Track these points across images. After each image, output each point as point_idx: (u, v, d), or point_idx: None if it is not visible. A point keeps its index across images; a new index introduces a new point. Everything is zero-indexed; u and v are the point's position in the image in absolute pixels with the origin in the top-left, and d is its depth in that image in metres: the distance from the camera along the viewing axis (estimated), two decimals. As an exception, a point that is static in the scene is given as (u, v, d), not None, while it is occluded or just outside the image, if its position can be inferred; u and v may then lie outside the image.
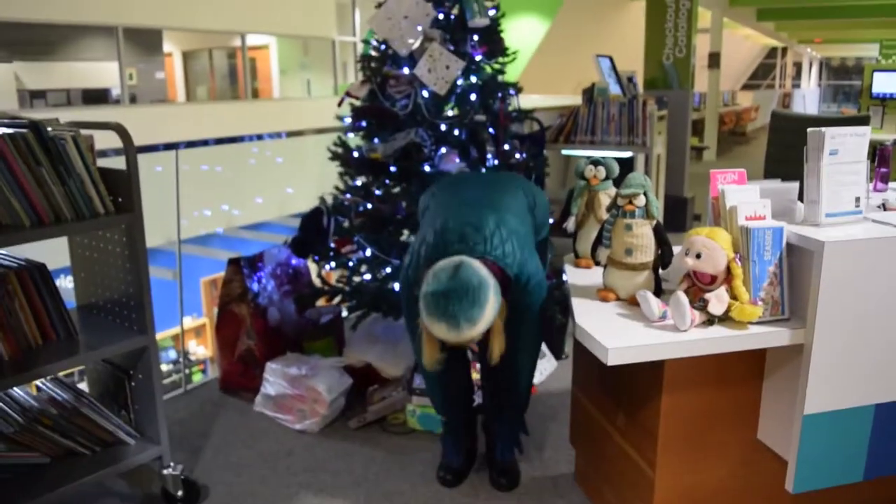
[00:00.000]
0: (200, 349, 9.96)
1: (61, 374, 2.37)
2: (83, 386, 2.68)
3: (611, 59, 5.38)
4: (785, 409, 1.95)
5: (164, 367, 8.88)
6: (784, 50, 26.78)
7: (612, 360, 1.76)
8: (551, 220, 3.44)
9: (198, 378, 8.63)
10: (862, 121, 4.59)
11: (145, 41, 11.99)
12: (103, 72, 11.10)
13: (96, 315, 2.53)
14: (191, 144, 3.57)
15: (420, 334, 2.17)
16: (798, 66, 30.47)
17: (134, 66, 11.63)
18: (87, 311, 2.57)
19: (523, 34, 12.16)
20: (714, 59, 13.33)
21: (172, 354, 8.92)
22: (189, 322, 9.42)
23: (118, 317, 2.43)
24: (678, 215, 6.53)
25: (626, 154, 4.89)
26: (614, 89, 5.24)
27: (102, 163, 2.26)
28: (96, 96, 11.86)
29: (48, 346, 2.26)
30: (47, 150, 2.05)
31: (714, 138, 13.89)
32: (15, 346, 2.19)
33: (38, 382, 2.46)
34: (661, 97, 5.90)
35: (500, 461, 2.65)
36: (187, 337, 9.28)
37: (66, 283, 2.83)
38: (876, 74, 7.34)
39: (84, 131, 2.18)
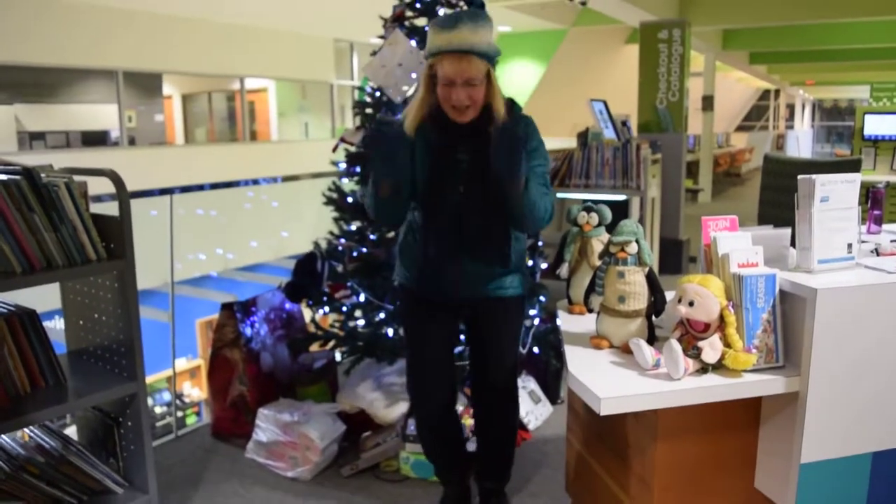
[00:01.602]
0: (195, 391, 9.86)
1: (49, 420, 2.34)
2: (71, 430, 2.65)
3: (605, 103, 5.43)
4: (781, 457, 1.93)
5: (158, 410, 8.79)
6: (777, 92, 27.11)
7: (604, 410, 1.74)
8: (546, 266, 3.45)
9: (192, 420, 8.54)
10: (854, 164, 4.62)
11: (145, 84, 12.11)
12: (102, 114, 11.19)
13: (86, 361, 2.51)
14: (185, 189, 3.59)
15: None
16: (791, 108, 30.81)
17: (133, 108, 11.72)
18: (77, 357, 2.55)
19: (519, 77, 12.32)
20: (707, 102, 13.48)
21: (166, 397, 8.83)
22: (184, 363, 9.35)
23: (108, 363, 2.41)
24: (673, 257, 6.54)
25: (621, 197, 4.91)
26: (608, 133, 5.28)
27: (98, 208, 2.26)
28: (95, 138, 11.92)
29: (37, 394, 2.23)
30: (40, 196, 2.05)
31: (709, 180, 13.97)
32: (3, 393, 2.16)
33: (26, 429, 2.42)
34: (655, 141, 5.95)
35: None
36: (182, 378, 9.19)
37: (57, 324, 2.81)
38: (867, 117, 7.43)
39: (78, 177, 2.18)
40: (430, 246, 2.29)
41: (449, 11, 3.01)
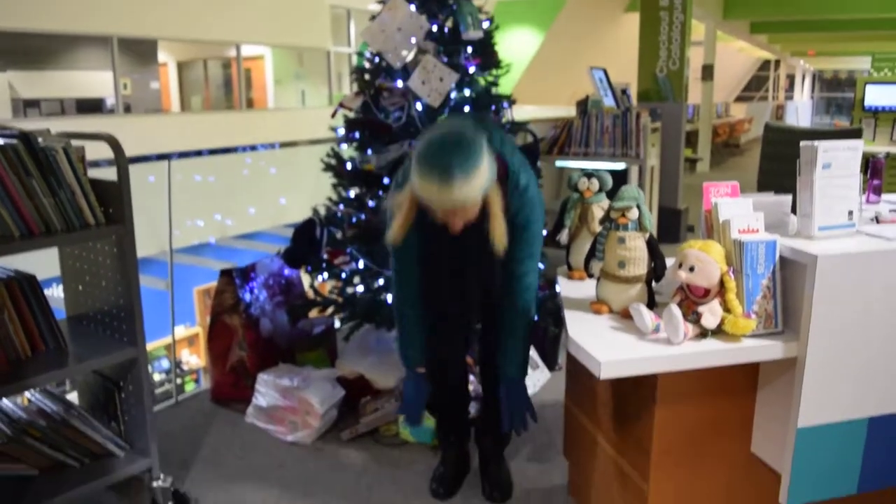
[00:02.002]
0: (194, 358, 9.90)
1: (50, 385, 2.35)
2: (72, 397, 2.66)
3: (605, 72, 5.39)
4: (778, 422, 1.94)
5: (157, 377, 8.83)
6: (777, 62, 26.93)
7: (604, 374, 1.75)
8: (545, 232, 3.44)
9: (190, 388, 8.59)
10: (854, 133, 4.60)
11: (140, 51, 11.99)
12: (98, 81, 11.09)
13: (86, 326, 2.51)
14: (183, 155, 3.56)
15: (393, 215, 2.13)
16: (791, 79, 30.63)
17: (128, 75, 11.62)
18: (76, 322, 2.55)
19: (517, 46, 12.20)
20: (707, 72, 13.39)
21: (165, 364, 8.87)
22: (182, 331, 9.37)
23: (108, 328, 2.42)
24: (672, 227, 6.53)
25: (620, 166, 4.90)
26: (608, 101, 5.25)
27: (94, 173, 2.25)
28: (90, 106, 11.84)
29: (37, 358, 2.24)
30: (38, 161, 2.04)
31: (707, 150, 13.93)
32: (3, 357, 2.17)
33: (27, 393, 2.43)
34: (655, 109, 5.91)
35: (494, 474, 2.63)
36: (180, 346, 9.22)
37: (56, 293, 2.81)
38: (868, 87, 7.39)
39: (75, 142, 2.17)
40: (434, 311, 2.41)
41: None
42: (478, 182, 1.93)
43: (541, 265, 3.33)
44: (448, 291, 2.47)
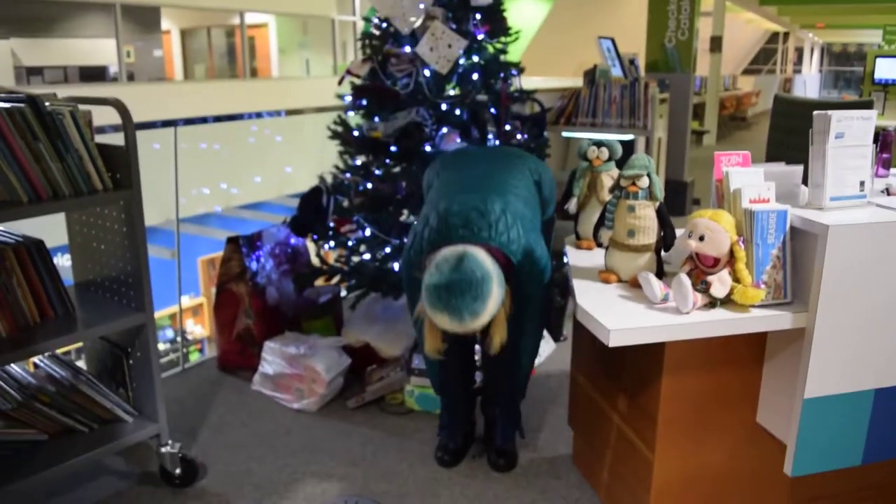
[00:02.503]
0: (198, 328, 9.96)
1: (59, 351, 2.36)
2: (81, 363, 2.68)
3: (612, 41, 5.33)
4: (785, 392, 1.95)
5: (161, 347, 8.88)
6: (786, 35, 26.62)
7: (613, 342, 1.75)
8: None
9: (195, 357, 8.63)
10: (866, 105, 4.55)
11: (143, 18, 11.90)
12: (100, 49, 11.02)
13: (94, 293, 2.52)
14: (189, 122, 3.54)
15: (422, 321, 2.17)
16: (799, 52, 30.31)
17: (132, 43, 11.54)
18: (84, 289, 2.56)
19: (525, 14, 12.08)
20: (716, 43, 13.26)
21: (170, 334, 8.92)
22: (186, 301, 9.42)
23: (116, 294, 2.42)
24: (678, 199, 6.52)
25: (627, 137, 4.87)
26: (616, 72, 5.20)
27: (100, 139, 2.23)
28: (93, 74, 11.78)
29: (46, 324, 2.24)
30: (45, 125, 2.02)
31: (714, 122, 13.84)
32: (13, 323, 2.18)
33: (35, 360, 2.45)
34: (663, 80, 5.86)
35: (498, 444, 2.65)
36: (185, 316, 9.27)
37: (62, 262, 2.81)
38: (879, 60, 7.32)
39: (82, 107, 2.15)
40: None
41: None
42: (487, 315, 2.01)
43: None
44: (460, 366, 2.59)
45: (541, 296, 2.30)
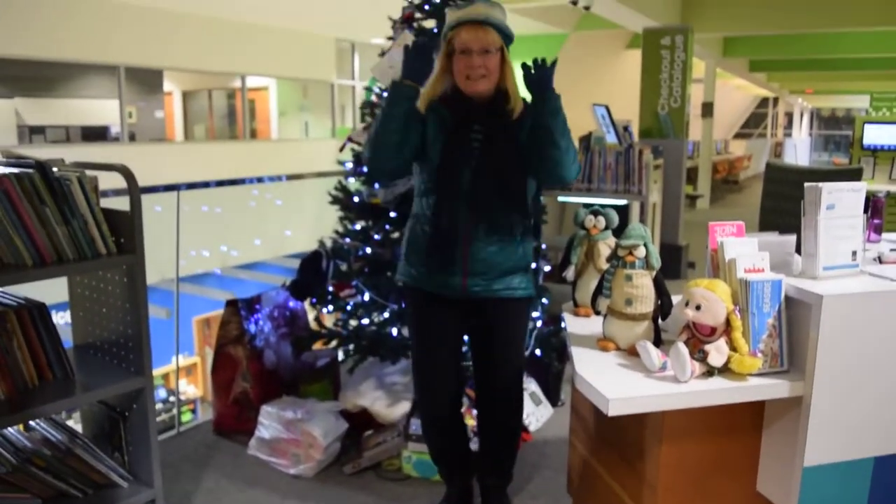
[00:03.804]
0: (191, 388, 9.87)
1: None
2: (73, 423, 2.66)
3: (607, 108, 5.45)
4: (784, 460, 1.95)
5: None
6: (776, 100, 27.19)
7: (613, 411, 1.75)
8: (549, 268, 3.47)
9: (187, 417, 8.54)
10: (855, 173, 4.65)
11: (146, 80, 12.12)
12: (103, 109, 11.20)
13: (93, 355, 2.52)
14: (192, 186, 3.60)
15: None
16: (789, 116, 30.90)
17: (134, 104, 11.74)
18: (83, 351, 2.56)
19: (519, 81, 12.33)
20: (707, 109, 13.52)
21: (162, 394, 8.83)
22: (180, 361, 9.36)
23: (115, 357, 2.42)
24: (673, 263, 6.57)
25: (622, 202, 4.94)
26: (611, 138, 5.31)
27: (103, 203, 2.27)
28: (95, 133, 11.94)
29: (44, 387, 2.24)
30: (52, 190, 2.06)
31: (708, 186, 14.01)
32: (11, 385, 2.17)
33: (31, 422, 2.43)
34: (657, 146, 5.97)
35: None
36: (179, 375, 9.20)
37: (60, 320, 2.82)
38: (867, 126, 7.47)
39: (89, 172, 2.19)
40: (443, 217, 2.31)
41: None
42: (499, 12, 2.24)
43: (545, 300, 3.36)
44: (459, 221, 2.34)
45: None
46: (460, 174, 2.30)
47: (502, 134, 2.30)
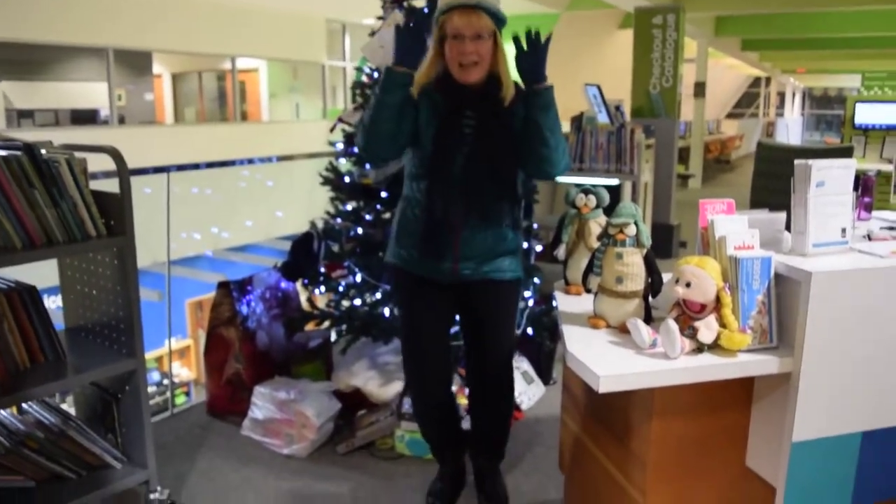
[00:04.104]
0: (184, 371, 9.87)
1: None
2: (67, 407, 2.66)
3: (599, 88, 5.44)
4: (773, 436, 1.97)
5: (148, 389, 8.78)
6: (768, 80, 27.16)
7: (603, 388, 1.77)
8: (540, 248, 3.48)
9: (181, 400, 8.55)
10: (846, 151, 4.66)
11: (135, 62, 12.02)
12: (92, 92, 11.11)
13: (85, 338, 2.52)
14: (182, 168, 3.58)
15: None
16: (781, 96, 30.88)
17: (123, 87, 11.65)
18: (75, 334, 2.56)
19: (512, 61, 12.28)
20: (699, 89, 13.50)
21: (156, 377, 8.84)
22: (173, 344, 9.36)
23: (107, 339, 2.42)
24: (664, 242, 6.59)
25: (614, 181, 4.94)
26: (602, 118, 5.30)
27: (92, 185, 2.26)
28: (85, 116, 11.85)
29: (36, 369, 2.24)
30: (41, 173, 2.05)
31: (699, 166, 14.03)
32: (3, 368, 2.17)
33: (23, 404, 2.43)
34: (648, 126, 5.97)
35: (488, 490, 2.64)
36: (172, 358, 9.20)
37: (51, 304, 2.81)
38: (858, 106, 7.49)
39: (78, 154, 2.18)
40: (436, 202, 2.31)
41: None
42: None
43: (536, 280, 3.37)
44: (451, 207, 2.34)
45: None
46: (453, 160, 2.29)
47: (495, 120, 2.29)
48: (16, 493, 2.23)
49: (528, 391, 3.49)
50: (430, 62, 2.26)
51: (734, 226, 1.96)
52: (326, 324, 3.38)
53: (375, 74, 3.28)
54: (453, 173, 2.30)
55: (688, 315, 1.89)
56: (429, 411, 2.62)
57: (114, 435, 2.50)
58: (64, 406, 2.54)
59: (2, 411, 2.34)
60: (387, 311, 3.15)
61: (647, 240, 2.05)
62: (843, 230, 2.03)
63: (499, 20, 2.22)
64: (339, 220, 3.33)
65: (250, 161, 4.51)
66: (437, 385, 2.58)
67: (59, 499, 2.22)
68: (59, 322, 2.46)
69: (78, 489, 2.28)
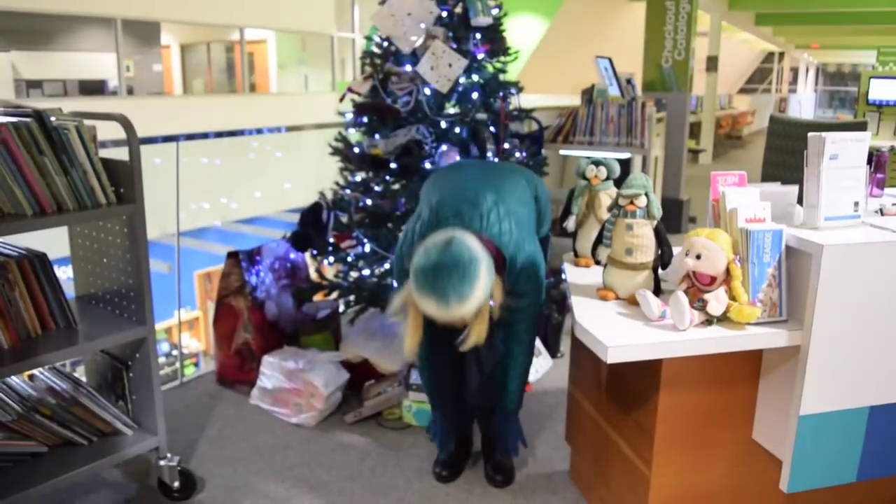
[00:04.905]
0: (193, 342, 9.94)
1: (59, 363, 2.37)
2: (78, 375, 2.68)
3: (610, 61, 5.39)
4: (780, 409, 1.97)
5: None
6: (781, 55, 26.85)
7: (611, 358, 1.77)
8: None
9: (190, 371, 8.62)
10: (861, 126, 4.60)
11: (143, 33, 11.97)
12: (100, 63, 11.08)
13: (95, 306, 2.53)
14: (191, 137, 3.57)
15: (407, 312, 2.13)
16: (795, 72, 30.54)
17: (131, 57, 11.60)
18: (86, 302, 2.57)
19: (522, 33, 12.15)
20: (712, 63, 13.37)
21: (165, 347, 8.90)
22: (182, 315, 9.40)
23: (117, 307, 2.44)
24: (674, 217, 6.55)
25: (624, 155, 4.91)
26: (613, 91, 5.25)
27: (102, 154, 2.25)
28: (93, 87, 11.83)
29: (47, 336, 2.26)
30: (51, 139, 2.05)
31: (710, 141, 13.93)
32: (14, 335, 2.19)
33: (35, 371, 2.45)
34: (660, 99, 5.93)
35: (496, 459, 2.66)
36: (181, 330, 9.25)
37: (61, 274, 2.82)
38: (873, 81, 7.39)
39: (87, 122, 2.18)
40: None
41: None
42: (474, 301, 1.96)
43: (549, 252, 3.36)
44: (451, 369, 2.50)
45: (534, 298, 2.27)
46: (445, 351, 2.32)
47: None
48: (28, 458, 2.26)
49: (535, 363, 3.50)
50: (415, 324, 2.12)
51: (745, 198, 1.95)
52: (335, 294, 3.39)
53: (385, 44, 3.25)
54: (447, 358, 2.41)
55: (697, 287, 1.89)
56: (445, 407, 2.63)
57: (124, 402, 2.53)
58: (75, 374, 2.57)
59: (14, 378, 2.36)
60: (395, 283, 3.15)
61: (657, 211, 2.04)
62: (856, 204, 2.02)
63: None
64: (348, 190, 3.32)
65: (259, 131, 4.48)
66: (455, 389, 2.60)
67: (71, 464, 2.25)
68: (69, 292, 2.48)
69: (89, 455, 2.31)
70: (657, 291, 2.04)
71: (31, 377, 2.46)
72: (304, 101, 12.77)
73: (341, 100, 3.34)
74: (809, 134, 1.98)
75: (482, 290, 1.97)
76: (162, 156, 3.78)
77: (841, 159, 1.97)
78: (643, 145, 4.88)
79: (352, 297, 3.31)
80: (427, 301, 1.95)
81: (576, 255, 2.47)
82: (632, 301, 2.03)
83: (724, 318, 1.87)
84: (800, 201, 2.09)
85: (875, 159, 2.61)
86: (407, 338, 2.14)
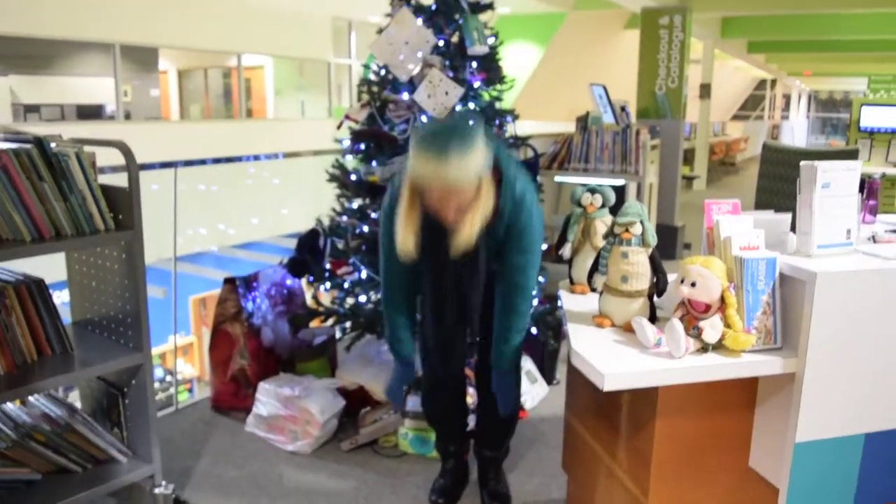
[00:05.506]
0: (187, 368, 9.89)
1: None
2: (73, 400, 2.67)
3: (604, 88, 5.44)
4: (776, 437, 1.97)
5: (151, 385, 8.79)
6: (773, 82, 27.12)
7: (608, 386, 1.77)
8: (546, 247, 3.48)
9: (184, 397, 8.56)
10: (852, 154, 4.65)
11: (141, 58, 12.05)
12: (98, 87, 11.13)
13: (92, 332, 2.53)
14: (189, 163, 3.59)
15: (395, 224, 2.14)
16: (787, 98, 30.83)
17: (129, 82, 11.66)
18: (82, 328, 2.57)
19: (518, 60, 12.27)
20: (705, 90, 13.48)
21: (159, 373, 8.86)
22: (177, 340, 9.37)
23: (114, 333, 2.44)
24: (669, 243, 6.58)
25: (619, 182, 4.94)
26: (608, 118, 5.30)
27: (100, 180, 2.27)
28: (90, 112, 11.88)
29: (43, 362, 2.26)
30: (51, 166, 2.06)
31: (704, 168, 14.02)
32: (10, 360, 2.19)
33: (30, 397, 2.45)
34: (654, 126, 5.97)
35: (492, 487, 2.65)
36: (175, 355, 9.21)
37: (57, 300, 2.82)
38: (864, 108, 7.47)
39: (87, 148, 2.20)
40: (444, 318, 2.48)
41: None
42: (473, 163, 2.00)
43: (541, 278, 3.37)
44: (449, 309, 2.49)
45: (533, 254, 2.30)
46: (444, 286, 2.43)
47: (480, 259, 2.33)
48: (22, 485, 2.25)
49: (531, 391, 3.50)
50: (407, 216, 2.14)
51: (739, 226, 1.97)
52: (331, 321, 3.39)
53: (383, 72, 3.29)
54: (446, 296, 2.46)
55: (692, 315, 1.90)
56: (440, 392, 2.62)
57: (119, 429, 2.52)
58: (69, 400, 2.56)
59: (8, 404, 2.35)
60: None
61: (652, 239, 2.05)
62: (848, 231, 2.04)
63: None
64: (344, 217, 3.34)
65: (256, 157, 4.52)
66: (452, 391, 2.62)
67: (65, 492, 2.24)
68: (65, 317, 2.48)
69: (83, 483, 2.30)
70: (653, 319, 2.05)
71: (26, 403, 2.45)
72: (301, 127, 12.82)
73: (339, 127, 3.36)
74: (802, 163, 2.00)
75: (480, 157, 2.02)
76: (159, 182, 3.79)
77: (833, 188, 1.99)
78: (638, 172, 4.92)
79: (348, 324, 3.32)
80: (427, 157, 1.97)
81: (571, 282, 2.48)
82: (627, 328, 2.03)
83: (719, 346, 1.88)
84: (793, 229, 2.11)
85: (867, 186, 2.64)
86: (400, 232, 2.14)
